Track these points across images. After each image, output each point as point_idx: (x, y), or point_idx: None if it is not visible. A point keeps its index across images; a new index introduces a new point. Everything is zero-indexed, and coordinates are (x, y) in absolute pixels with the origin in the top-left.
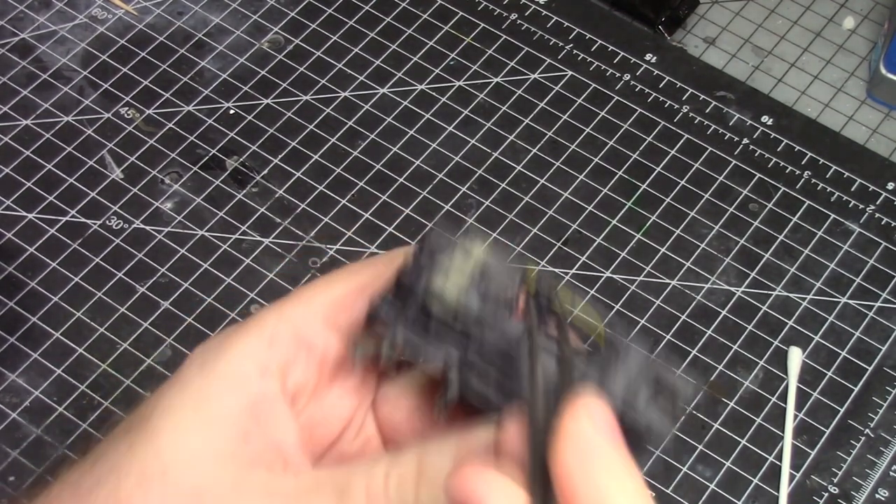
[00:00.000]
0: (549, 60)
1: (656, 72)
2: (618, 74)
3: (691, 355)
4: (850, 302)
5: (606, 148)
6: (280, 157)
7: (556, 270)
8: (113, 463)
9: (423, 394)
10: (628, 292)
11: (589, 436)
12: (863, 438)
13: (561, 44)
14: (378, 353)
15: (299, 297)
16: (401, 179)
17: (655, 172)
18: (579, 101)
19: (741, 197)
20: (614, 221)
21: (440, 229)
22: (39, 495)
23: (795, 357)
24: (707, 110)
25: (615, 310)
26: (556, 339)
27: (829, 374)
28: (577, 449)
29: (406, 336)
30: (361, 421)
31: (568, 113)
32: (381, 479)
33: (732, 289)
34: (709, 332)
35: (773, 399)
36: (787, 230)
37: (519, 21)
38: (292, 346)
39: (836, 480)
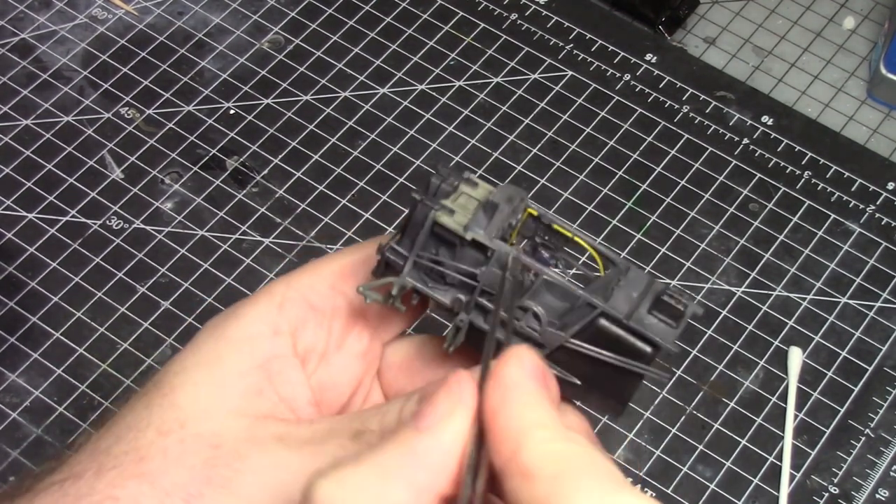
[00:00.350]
0: (549, 60)
1: (656, 72)
2: (618, 74)
3: (691, 355)
4: (851, 302)
5: (606, 148)
6: (280, 157)
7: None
8: (130, 421)
9: (427, 361)
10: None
11: (513, 377)
12: (863, 438)
13: (561, 44)
14: (388, 294)
15: (306, 268)
16: (401, 179)
17: (655, 172)
18: (579, 101)
19: (741, 197)
20: (614, 221)
21: (444, 167)
22: (60, 468)
23: (796, 357)
24: (707, 110)
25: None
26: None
27: (830, 374)
28: (501, 387)
29: (414, 278)
30: (368, 388)
31: (568, 113)
32: (394, 415)
33: (733, 289)
34: (709, 332)
35: (774, 399)
36: (787, 230)
37: (519, 21)
38: (301, 310)
39: (836, 480)
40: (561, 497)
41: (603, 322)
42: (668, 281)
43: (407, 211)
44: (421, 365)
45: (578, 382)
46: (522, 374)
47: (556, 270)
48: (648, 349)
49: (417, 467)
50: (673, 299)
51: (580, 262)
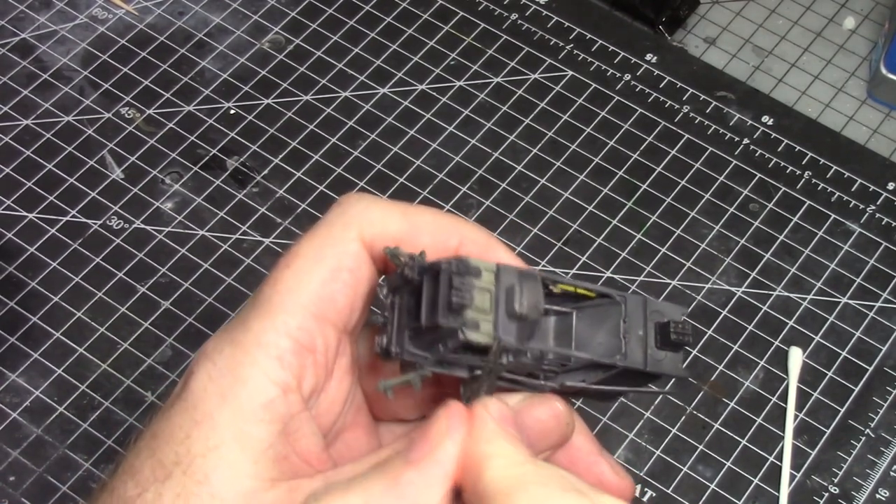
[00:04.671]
0: (549, 60)
1: (657, 72)
2: (618, 74)
3: (692, 355)
4: (851, 302)
5: (607, 148)
6: (280, 157)
7: (557, 270)
8: None
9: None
10: (628, 292)
11: (479, 422)
12: (863, 438)
13: (561, 44)
14: (408, 383)
15: (283, 303)
16: (401, 179)
17: (656, 172)
18: (580, 101)
19: (741, 197)
20: (615, 221)
21: (450, 261)
22: None
23: (796, 357)
24: (707, 110)
25: (600, 282)
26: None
27: (830, 374)
28: (471, 432)
29: (439, 368)
30: (354, 393)
31: (568, 113)
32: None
33: (733, 289)
34: (709, 332)
35: (774, 399)
36: (787, 230)
37: (519, 21)
38: (300, 357)
39: (836, 480)
40: None
41: (623, 370)
42: (658, 301)
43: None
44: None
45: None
46: (486, 417)
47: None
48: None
49: (403, 499)
50: (678, 335)
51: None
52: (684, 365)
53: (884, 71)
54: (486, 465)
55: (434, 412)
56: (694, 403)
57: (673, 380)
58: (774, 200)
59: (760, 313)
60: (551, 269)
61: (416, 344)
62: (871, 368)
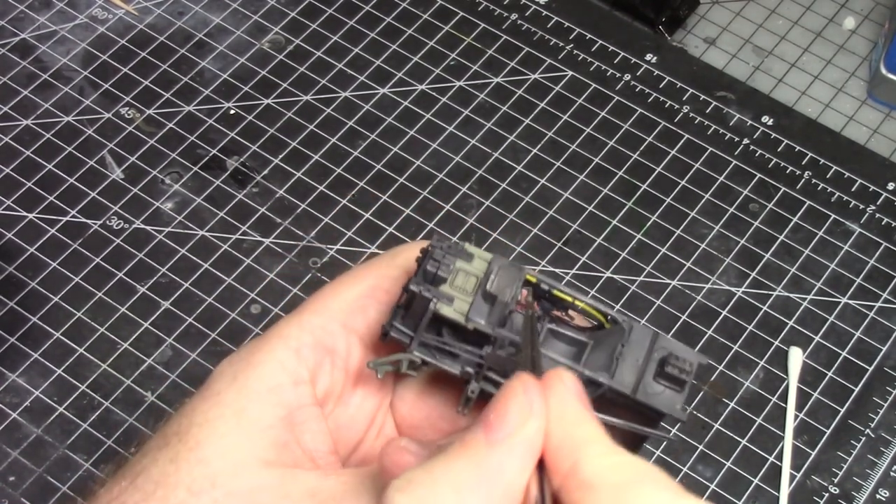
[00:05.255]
0: (549, 60)
1: (656, 72)
2: (618, 75)
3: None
4: (851, 302)
5: (607, 148)
6: (280, 157)
7: (557, 271)
8: (157, 477)
9: (438, 393)
10: (629, 292)
11: (559, 396)
12: (863, 438)
13: (561, 44)
14: (398, 368)
15: (314, 305)
16: (401, 179)
17: (656, 172)
18: (580, 101)
19: (741, 197)
20: (615, 221)
21: (440, 237)
22: None
23: (796, 357)
24: (707, 110)
25: (615, 310)
26: (550, 320)
27: (830, 374)
28: (555, 409)
29: (422, 353)
30: (382, 421)
31: (568, 113)
32: None
33: (733, 289)
34: (709, 332)
35: (774, 399)
36: (787, 230)
37: (519, 21)
38: (318, 354)
39: (836, 480)
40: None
41: (610, 395)
42: (670, 339)
43: (404, 290)
44: (435, 398)
45: None
46: (567, 393)
47: (562, 319)
48: (655, 415)
49: (493, 483)
50: (676, 369)
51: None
52: (682, 406)
53: (884, 71)
54: (583, 451)
55: (505, 384)
56: (694, 403)
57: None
58: (774, 200)
59: (760, 313)
60: (551, 269)
61: (405, 323)
62: (871, 368)
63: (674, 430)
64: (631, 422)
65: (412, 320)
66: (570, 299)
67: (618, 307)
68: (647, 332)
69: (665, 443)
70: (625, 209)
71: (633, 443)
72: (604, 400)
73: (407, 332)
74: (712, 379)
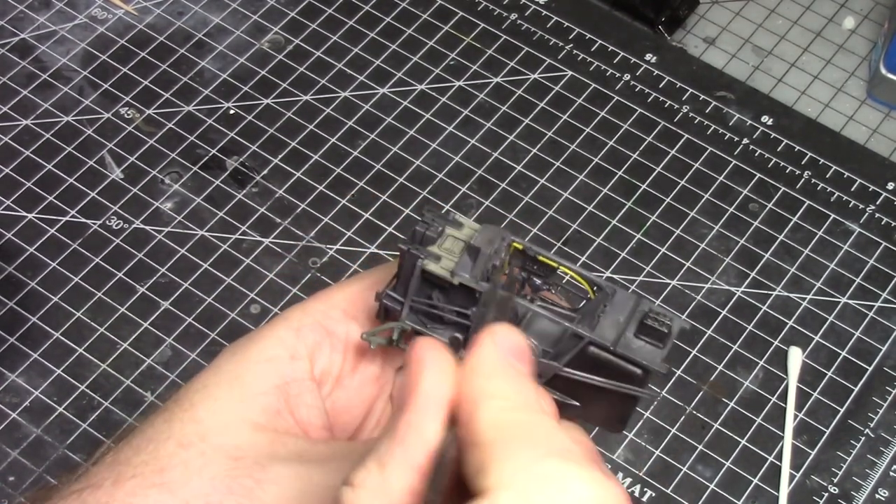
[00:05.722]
0: (549, 60)
1: (656, 72)
2: (618, 74)
3: (691, 355)
4: (850, 302)
5: (606, 148)
6: (280, 157)
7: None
8: (150, 434)
9: None
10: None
11: (483, 350)
12: (863, 438)
13: (561, 44)
14: (391, 337)
15: (319, 296)
16: (401, 179)
17: (655, 172)
18: (579, 101)
19: (741, 197)
20: (614, 221)
21: (432, 206)
22: (80, 479)
23: (795, 357)
24: (707, 110)
25: (604, 278)
26: (519, 282)
27: (829, 374)
28: (471, 361)
29: (413, 321)
30: (381, 411)
31: (568, 113)
32: None
33: (732, 289)
34: (709, 332)
35: (773, 399)
36: (787, 230)
37: (519, 21)
38: (318, 335)
39: (836, 480)
40: (491, 463)
41: (592, 350)
42: (652, 300)
43: (399, 255)
44: None
45: (577, 404)
46: (488, 347)
47: (546, 299)
48: (638, 372)
49: (410, 446)
50: (656, 322)
51: (565, 280)
52: (664, 359)
53: (883, 71)
54: (481, 405)
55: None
56: (693, 403)
57: (670, 383)
58: (774, 200)
59: (760, 313)
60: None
61: (396, 291)
62: (870, 368)
63: (662, 392)
64: (607, 380)
65: (402, 287)
66: (555, 265)
67: (607, 273)
68: (632, 297)
69: (664, 442)
70: (624, 209)
71: (621, 411)
72: (586, 359)
73: (398, 298)
74: (712, 379)
